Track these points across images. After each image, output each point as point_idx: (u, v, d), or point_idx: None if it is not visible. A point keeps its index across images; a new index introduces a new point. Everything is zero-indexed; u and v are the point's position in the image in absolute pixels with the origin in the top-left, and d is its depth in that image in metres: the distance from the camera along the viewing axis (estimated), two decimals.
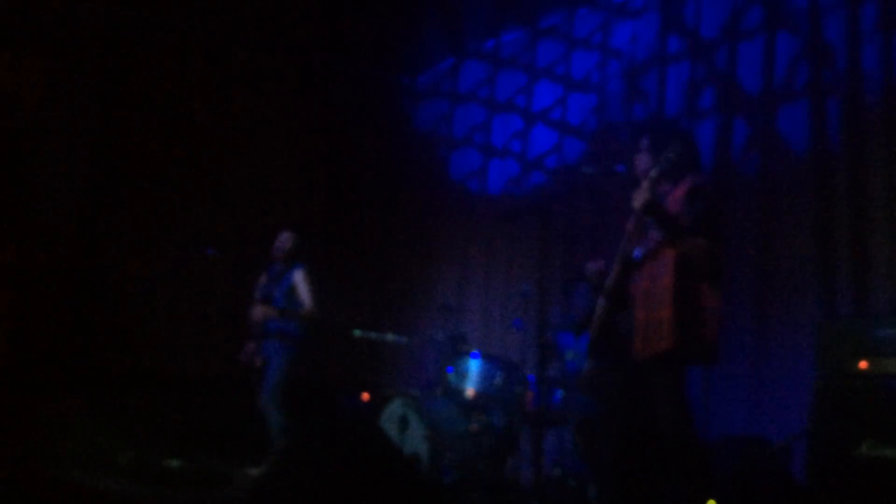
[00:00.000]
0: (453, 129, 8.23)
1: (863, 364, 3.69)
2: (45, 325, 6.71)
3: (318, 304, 5.57)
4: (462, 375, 5.23)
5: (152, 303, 7.24)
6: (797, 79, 5.30)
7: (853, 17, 5.01)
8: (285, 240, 5.77)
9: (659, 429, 3.38)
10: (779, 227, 5.21)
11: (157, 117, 7.43)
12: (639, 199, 3.31)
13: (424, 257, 8.08)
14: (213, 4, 7.41)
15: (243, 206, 7.80)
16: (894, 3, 4.81)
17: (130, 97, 7.35)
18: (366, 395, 5.98)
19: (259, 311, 5.55)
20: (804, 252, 5.03)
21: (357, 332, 5.84)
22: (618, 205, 3.93)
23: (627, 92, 6.45)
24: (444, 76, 8.43)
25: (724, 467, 4.01)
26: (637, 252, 3.47)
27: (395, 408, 5.31)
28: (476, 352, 5.34)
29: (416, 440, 5.07)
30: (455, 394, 5.26)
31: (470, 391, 5.18)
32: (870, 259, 4.74)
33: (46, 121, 6.85)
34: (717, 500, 3.50)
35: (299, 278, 5.62)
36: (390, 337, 5.80)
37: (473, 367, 5.24)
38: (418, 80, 8.76)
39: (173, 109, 7.53)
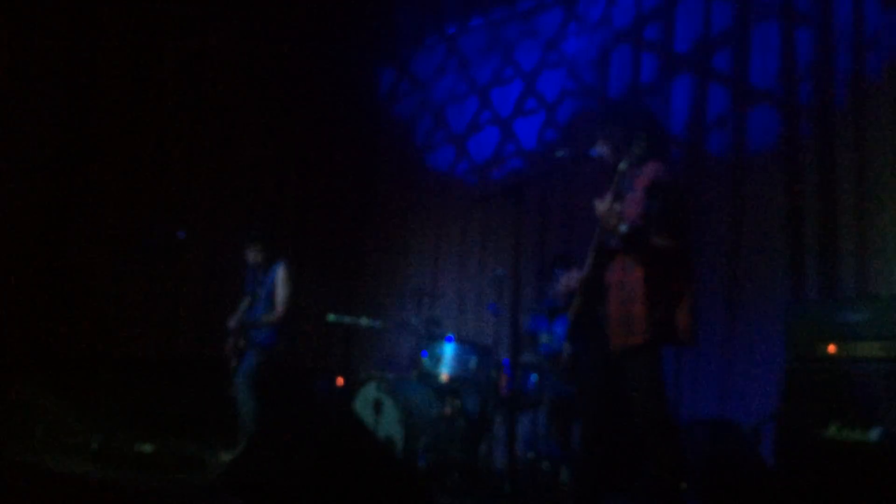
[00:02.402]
0: (427, 114, 8.21)
1: (831, 348, 3.75)
2: (13, 309, 6.61)
3: (288, 308, 5.57)
4: (436, 359, 5.25)
5: (123, 285, 7.16)
6: (769, 67, 5.36)
7: (825, 10, 5.07)
8: (254, 255, 5.73)
9: (633, 413, 3.42)
10: (748, 212, 5.28)
11: (127, 99, 7.31)
12: (598, 213, 3.36)
13: (398, 241, 8.07)
14: None
15: (216, 189, 7.72)
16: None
17: (100, 77, 7.22)
18: (340, 380, 5.97)
19: (236, 332, 5.57)
20: (773, 237, 5.11)
21: (331, 317, 5.82)
22: (591, 188, 3.94)
23: (600, 75, 6.48)
24: (419, 61, 8.39)
25: (694, 450, 4.07)
26: (612, 241, 3.48)
27: (369, 392, 5.31)
28: (450, 336, 5.36)
29: (390, 424, 5.08)
30: (429, 378, 5.28)
31: (444, 375, 5.21)
32: (837, 244, 4.81)
33: (12, 101, 6.72)
34: (688, 483, 3.55)
35: (281, 278, 5.60)
36: (364, 321, 5.79)
37: (448, 351, 5.27)
38: (393, 64, 8.71)
39: (144, 90, 7.42)
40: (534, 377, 5.05)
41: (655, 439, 3.36)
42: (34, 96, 6.83)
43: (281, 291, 5.58)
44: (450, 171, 7.82)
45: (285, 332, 5.64)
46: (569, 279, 3.71)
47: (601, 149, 3.60)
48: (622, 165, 3.37)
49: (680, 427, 4.42)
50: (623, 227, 3.31)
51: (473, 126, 7.64)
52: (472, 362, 5.19)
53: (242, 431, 5.38)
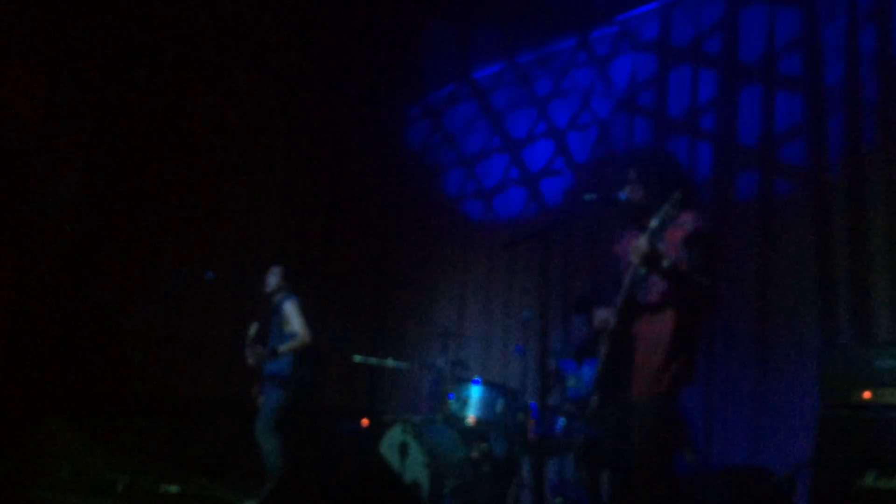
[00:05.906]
0: (454, 155, 8.26)
1: (866, 394, 3.67)
2: (41, 350, 6.66)
3: (310, 331, 5.56)
4: (463, 402, 5.21)
5: (150, 326, 7.21)
6: (797, 106, 5.34)
7: (852, 46, 5.06)
8: (274, 273, 5.83)
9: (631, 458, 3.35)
10: (779, 256, 5.22)
11: (155, 140, 7.44)
12: (637, 252, 3.31)
13: (424, 283, 8.07)
14: (213, 27, 7.45)
15: (242, 229, 7.80)
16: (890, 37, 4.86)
17: (129, 118, 7.36)
18: (366, 422, 5.93)
19: (251, 355, 5.54)
20: (805, 280, 5.04)
21: (357, 358, 5.81)
22: (618, 233, 3.92)
23: (628, 120, 6.49)
24: (446, 102, 8.46)
25: (726, 498, 3.99)
26: (641, 294, 3.44)
27: (395, 434, 5.27)
28: (477, 378, 5.32)
29: (416, 467, 5.03)
30: (456, 420, 5.23)
31: (471, 418, 5.16)
32: (870, 288, 4.74)
33: (44, 141, 6.85)
34: None
35: (289, 310, 5.61)
36: (390, 363, 5.77)
37: (474, 393, 5.22)
38: (420, 105, 8.79)
39: (172, 132, 7.55)
40: (562, 421, 4.99)
41: (648, 491, 3.27)
42: (63, 138, 6.96)
43: (296, 321, 5.56)
44: (476, 212, 7.84)
45: (305, 361, 5.58)
46: (600, 318, 3.67)
47: (631, 192, 3.58)
48: (654, 223, 3.33)
49: (711, 473, 4.35)
50: (666, 263, 3.27)
51: (500, 168, 7.66)
52: (500, 405, 5.14)
53: (269, 474, 5.34)
